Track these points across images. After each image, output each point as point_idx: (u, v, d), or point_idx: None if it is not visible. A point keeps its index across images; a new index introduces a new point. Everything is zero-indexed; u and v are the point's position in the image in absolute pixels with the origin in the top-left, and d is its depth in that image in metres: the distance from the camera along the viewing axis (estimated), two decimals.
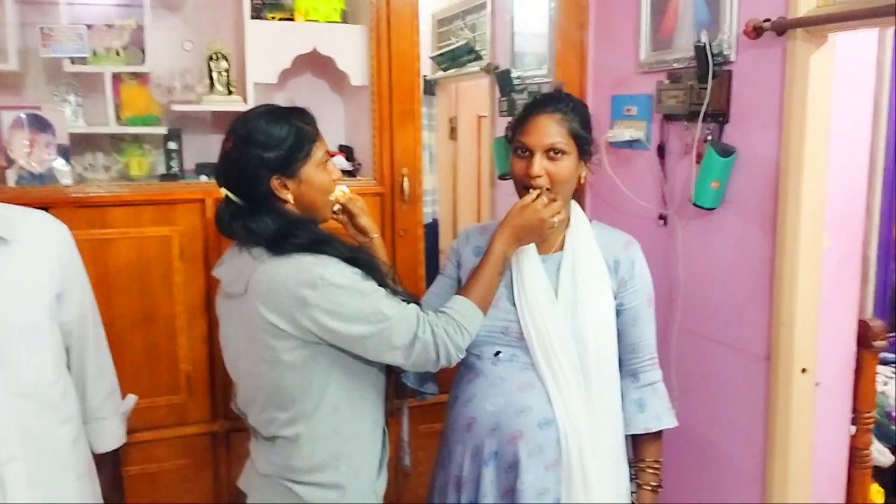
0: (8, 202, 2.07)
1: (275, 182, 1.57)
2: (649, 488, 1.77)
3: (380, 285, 1.58)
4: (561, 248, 1.75)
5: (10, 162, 2.17)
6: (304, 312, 1.51)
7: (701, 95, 2.15)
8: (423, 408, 2.18)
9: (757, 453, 2.10)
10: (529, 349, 1.69)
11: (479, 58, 3.61)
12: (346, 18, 2.53)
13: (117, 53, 2.32)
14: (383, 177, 2.47)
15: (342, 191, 1.73)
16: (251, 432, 1.73)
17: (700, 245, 2.26)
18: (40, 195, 2.16)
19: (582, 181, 1.76)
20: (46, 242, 1.68)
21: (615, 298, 1.75)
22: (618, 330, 1.76)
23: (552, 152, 1.67)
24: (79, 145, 2.44)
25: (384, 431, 1.74)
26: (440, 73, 4.07)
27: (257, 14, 2.47)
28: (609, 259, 1.76)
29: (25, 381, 1.58)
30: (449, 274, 1.88)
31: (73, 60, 2.28)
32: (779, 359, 2.01)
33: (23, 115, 2.17)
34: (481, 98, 3.83)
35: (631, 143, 2.49)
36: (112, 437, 1.88)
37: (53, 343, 1.66)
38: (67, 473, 1.67)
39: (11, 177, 2.18)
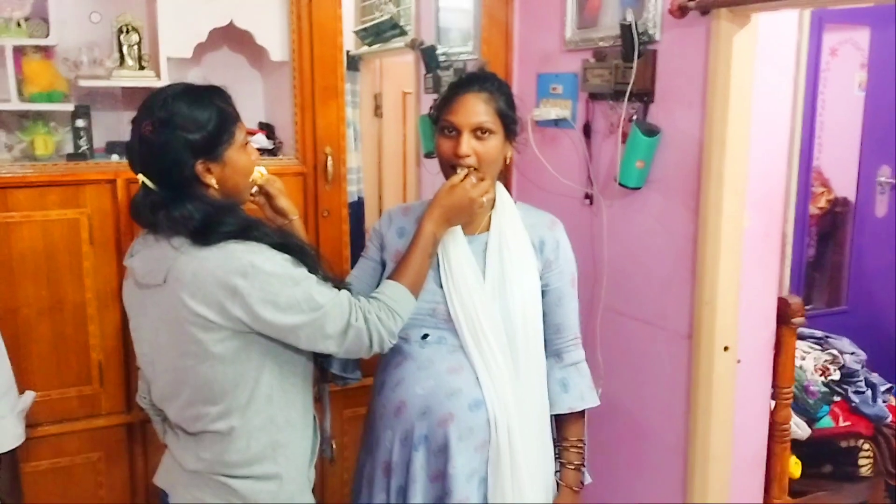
0: None
1: (199, 167, 1.49)
2: (572, 467, 1.78)
3: (310, 271, 1.53)
4: (487, 228, 1.74)
5: None
6: (234, 302, 1.45)
7: (626, 75, 2.15)
8: (346, 392, 2.13)
9: (680, 429, 2.13)
10: (458, 331, 1.67)
11: (403, 33, 3.54)
12: None
13: (18, 25, 2.17)
14: (305, 156, 2.39)
15: (260, 172, 1.66)
16: (166, 427, 1.66)
17: (624, 224, 2.27)
18: None
19: (508, 161, 1.74)
20: None
21: (540, 279, 1.74)
22: (543, 311, 1.75)
23: (480, 131, 1.65)
24: None
25: (314, 417, 1.71)
26: (364, 49, 3.98)
27: None
28: (534, 239, 1.75)
29: None
30: (371, 256, 1.84)
31: None
32: (701, 337, 2.04)
33: None
34: (406, 74, 3.76)
35: (557, 122, 2.48)
36: (9, 436, 1.79)
37: None
38: None
39: None
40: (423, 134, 3.23)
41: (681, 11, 1.98)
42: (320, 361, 1.71)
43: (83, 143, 2.34)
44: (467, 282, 1.66)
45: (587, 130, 2.37)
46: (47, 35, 2.23)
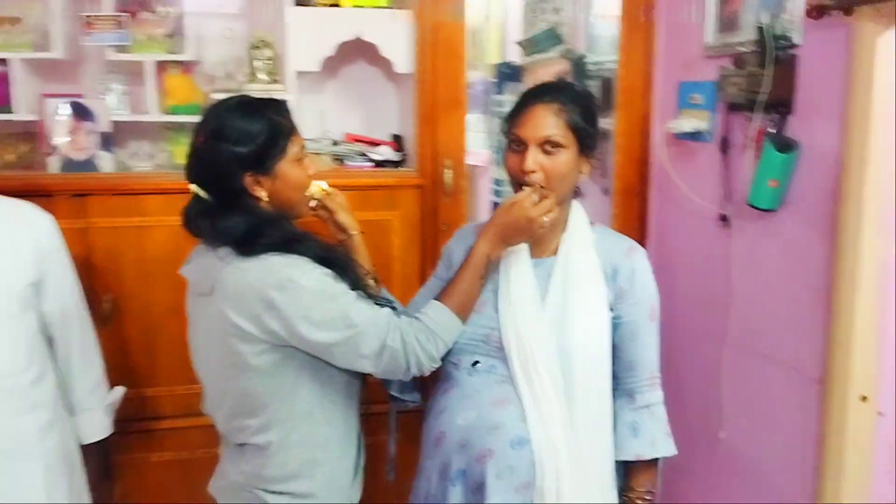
0: (46, 188, 2.15)
1: (248, 179, 1.50)
2: None
3: (354, 287, 1.50)
4: (556, 252, 1.60)
5: (53, 149, 2.22)
6: (271, 315, 1.44)
7: (762, 83, 1.92)
8: (415, 414, 2.08)
9: (808, 485, 1.86)
10: (508, 360, 1.55)
11: (562, 42, 3.42)
12: (393, 4, 2.44)
13: (160, 42, 2.32)
14: (425, 168, 2.37)
15: (319, 187, 1.64)
16: (221, 437, 1.68)
17: (757, 250, 2.03)
18: (79, 182, 2.20)
19: (584, 178, 1.59)
20: (22, 233, 1.69)
21: (612, 310, 1.59)
22: (615, 345, 1.60)
23: (548, 145, 1.53)
24: (124, 133, 2.47)
25: (359, 436, 1.66)
26: (527, 59, 3.90)
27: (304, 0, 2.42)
28: (607, 266, 1.60)
29: None
30: (439, 275, 1.76)
31: (117, 48, 2.31)
32: (833, 383, 1.77)
33: (65, 103, 2.21)
34: None
35: (695, 135, 2.27)
36: (98, 428, 1.89)
37: (26, 331, 1.67)
38: (32, 465, 1.67)
39: (55, 163, 2.23)
40: None
41: (817, 12, 1.72)
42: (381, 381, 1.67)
43: None
44: (524, 309, 1.54)
45: (724, 144, 2.15)
46: (185, 51, 2.36)
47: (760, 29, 1.91)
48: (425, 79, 2.34)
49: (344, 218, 1.69)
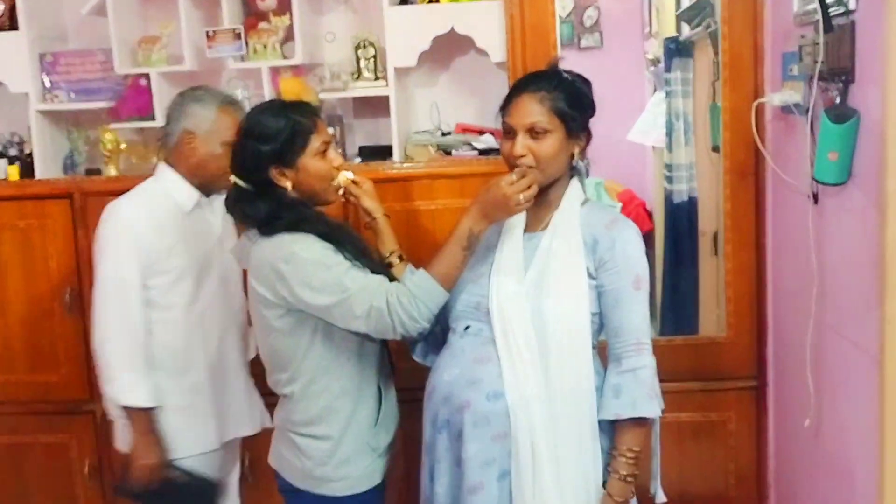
0: None
1: (273, 172, 1.94)
2: (617, 476, 1.85)
3: (355, 259, 1.91)
4: (546, 227, 1.91)
5: None
6: (281, 283, 1.89)
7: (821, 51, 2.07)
8: None
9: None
10: (491, 324, 1.87)
11: (713, 14, 3.56)
12: None
13: (274, 49, 2.87)
14: None
15: (345, 177, 2.04)
16: None
17: (832, 228, 2.17)
18: None
19: (575, 159, 1.89)
20: None
21: (594, 278, 1.86)
22: (602, 312, 1.87)
23: (534, 132, 1.84)
24: None
25: (379, 390, 2.07)
26: (689, 33, 4.04)
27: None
28: (587, 237, 1.87)
29: None
30: None
31: (242, 58, 2.89)
32: (886, 360, 1.90)
33: None
34: None
35: (792, 109, 2.41)
36: None
37: None
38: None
39: None
40: (713, 125, 3.28)
41: None
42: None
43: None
44: (506, 279, 1.86)
45: (808, 117, 2.29)
46: (294, 56, 2.88)
47: None
48: (516, 65, 2.69)
49: (368, 203, 2.08)
